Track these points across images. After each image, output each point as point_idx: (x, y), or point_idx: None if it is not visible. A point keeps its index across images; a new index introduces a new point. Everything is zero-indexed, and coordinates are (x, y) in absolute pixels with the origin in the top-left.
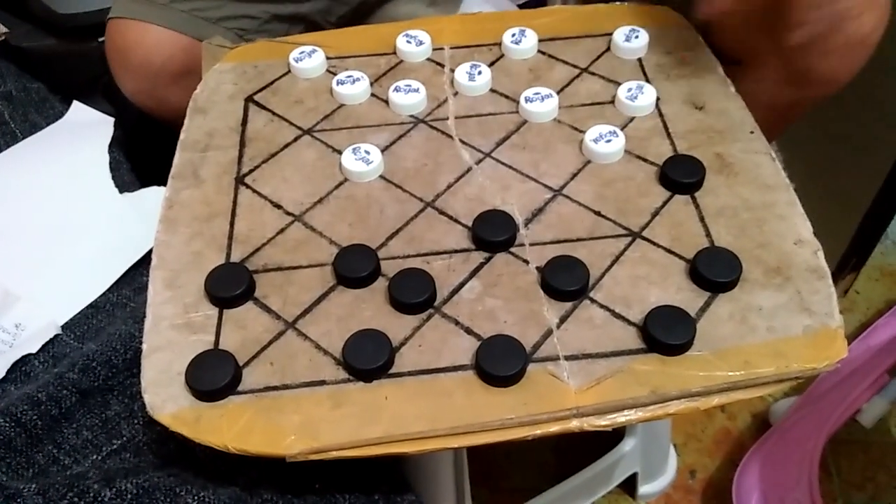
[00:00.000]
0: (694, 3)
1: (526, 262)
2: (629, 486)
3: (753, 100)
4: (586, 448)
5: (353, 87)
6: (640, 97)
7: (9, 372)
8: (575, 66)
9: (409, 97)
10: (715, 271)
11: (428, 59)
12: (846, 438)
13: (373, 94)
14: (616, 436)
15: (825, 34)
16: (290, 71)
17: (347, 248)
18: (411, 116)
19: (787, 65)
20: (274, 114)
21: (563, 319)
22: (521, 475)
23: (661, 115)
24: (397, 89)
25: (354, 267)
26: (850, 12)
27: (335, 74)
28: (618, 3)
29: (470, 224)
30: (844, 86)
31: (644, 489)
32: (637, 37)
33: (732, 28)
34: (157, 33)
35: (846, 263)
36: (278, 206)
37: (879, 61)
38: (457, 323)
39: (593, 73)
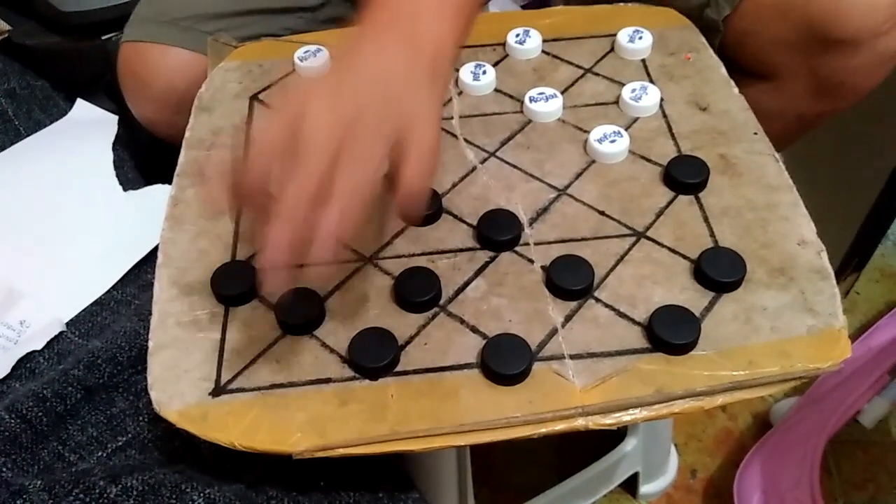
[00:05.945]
0: (701, 5)
1: (531, 261)
2: (630, 485)
3: (782, 113)
4: (588, 447)
5: None
6: (644, 98)
7: (14, 369)
8: (579, 67)
9: None
10: (719, 271)
11: None
12: (847, 439)
13: None
14: (617, 435)
15: (857, 50)
16: (294, 70)
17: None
18: None
19: (818, 80)
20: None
21: (568, 318)
22: (522, 474)
23: (665, 115)
24: None
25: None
26: (880, 28)
27: None
28: (621, 4)
29: (475, 223)
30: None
31: (645, 489)
32: (641, 38)
33: (763, 46)
34: (179, 56)
35: (847, 265)
36: None
37: None
38: (462, 321)
39: (597, 74)
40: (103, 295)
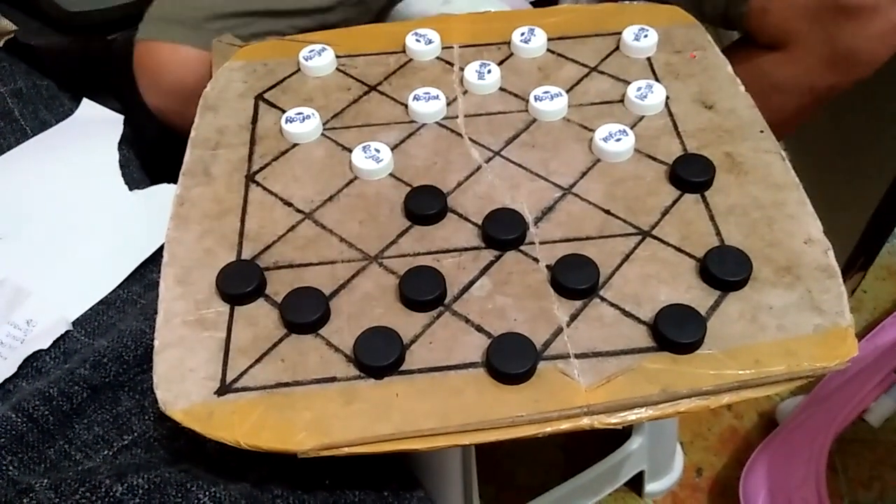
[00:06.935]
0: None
1: (536, 260)
2: (636, 484)
3: (795, 84)
4: (593, 446)
5: None
6: (649, 96)
7: (20, 368)
8: (584, 65)
9: (430, 105)
10: (725, 270)
11: (437, 58)
12: (853, 437)
13: (382, 93)
14: (623, 434)
15: (872, 17)
16: (299, 69)
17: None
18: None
19: (832, 48)
20: (284, 112)
21: (573, 317)
22: (528, 473)
23: (670, 113)
24: (417, 98)
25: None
26: None
27: (345, 73)
28: (627, 2)
29: (480, 222)
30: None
31: (651, 487)
32: (646, 36)
33: (783, 12)
34: (187, 53)
35: (853, 263)
36: (289, 204)
37: (888, 62)
38: (467, 321)
39: (602, 72)
40: (109, 294)
